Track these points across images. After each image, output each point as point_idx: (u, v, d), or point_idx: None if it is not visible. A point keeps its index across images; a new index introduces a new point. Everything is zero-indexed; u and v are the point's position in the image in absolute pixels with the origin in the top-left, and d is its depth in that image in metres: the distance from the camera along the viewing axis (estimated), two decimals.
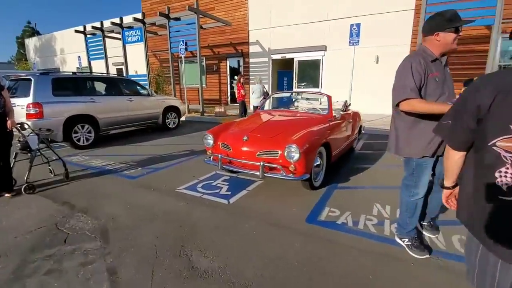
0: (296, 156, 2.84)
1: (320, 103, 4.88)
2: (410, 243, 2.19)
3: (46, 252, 2.22)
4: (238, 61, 13.15)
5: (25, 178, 3.40)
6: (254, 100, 7.73)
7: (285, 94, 5.61)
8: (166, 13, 10.14)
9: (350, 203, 3.05)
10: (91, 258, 2.14)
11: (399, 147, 2.08)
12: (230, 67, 13.52)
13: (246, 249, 2.25)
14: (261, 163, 2.95)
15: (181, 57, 10.49)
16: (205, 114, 10.58)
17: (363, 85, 9.90)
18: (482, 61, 8.69)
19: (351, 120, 4.56)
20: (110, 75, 7.13)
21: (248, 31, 12.53)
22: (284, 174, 2.95)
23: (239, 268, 2.02)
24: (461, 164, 1.13)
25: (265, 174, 2.99)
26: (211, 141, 3.51)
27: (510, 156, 0.88)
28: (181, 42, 10.09)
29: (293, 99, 5.36)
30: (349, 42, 7.69)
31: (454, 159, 1.13)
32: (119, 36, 12.27)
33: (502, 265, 0.95)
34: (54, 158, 3.83)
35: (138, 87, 7.25)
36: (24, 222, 2.70)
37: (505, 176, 0.90)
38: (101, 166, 4.51)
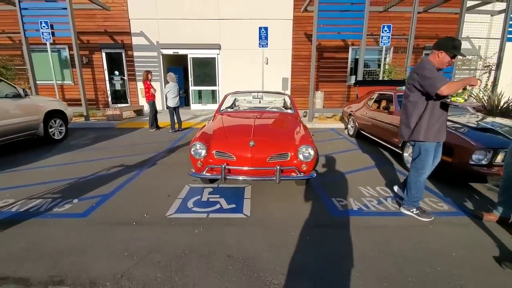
0: (311, 156, 2.94)
1: (277, 102, 5.06)
2: (418, 211, 2.81)
3: None
4: (120, 53, 11.16)
5: None
6: (170, 100, 6.90)
7: (244, 95, 5.40)
8: None
9: (343, 191, 3.46)
10: None
11: (413, 133, 2.60)
12: (107, 60, 11.26)
13: (326, 257, 2.20)
14: (277, 167, 2.85)
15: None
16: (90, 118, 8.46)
17: (258, 82, 10.71)
18: (343, 65, 11.46)
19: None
20: None
21: (129, 19, 10.86)
22: (299, 175, 2.98)
23: (335, 277, 1.97)
24: None
25: (281, 178, 2.91)
26: (202, 151, 3.01)
27: None
28: (44, 24, 7.52)
29: (258, 99, 5.26)
30: (259, 44, 8.20)
31: None
32: None
33: None
34: None
35: (3, 85, 4.94)
36: None
37: None
38: (1, 210, 2.91)
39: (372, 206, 3.07)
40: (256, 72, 10.22)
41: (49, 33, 7.71)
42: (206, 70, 11.62)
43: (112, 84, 11.57)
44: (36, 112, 5.40)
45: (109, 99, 11.58)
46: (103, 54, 11.20)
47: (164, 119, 8.22)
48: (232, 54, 11.18)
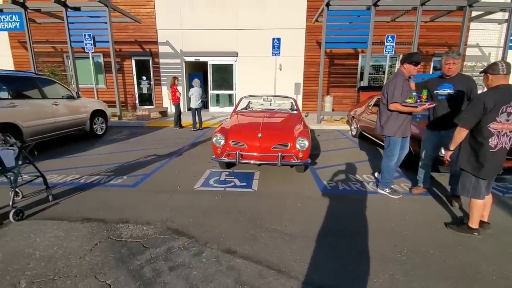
0: (306, 145, 3.76)
1: (285, 104, 5.92)
2: (390, 191, 3.55)
3: (142, 258, 2.24)
4: (148, 60, 12.40)
5: (11, 203, 2.78)
6: (193, 102, 7.91)
7: (257, 98, 6.31)
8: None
9: (334, 177, 4.24)
10: (194, 251, 2.34)
11: (387, 130, 3.36)
12: (136, 66, 12.55)
13: (309, 217, 3.01)
14: (279, 154, 3.70)
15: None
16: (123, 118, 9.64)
17: (271, 87, 11.58)
18: (353, 72, 12.11)
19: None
20: (26, 73, 5.64)
21: (157, 30, 12.08)
22: (296, 161, 3.81)
23: (316, 230, 2.78)
24: (463, 138, 2.44)
25: (282, 163, 3.74)
26: (222, 141, 3.91)
27: (496, 132, 2.19)
28: (88, 37, 8.79)
29: (269, 101, 6.16)
30: (272, 53, 9.09)
31: (462, 134, 2.42)
32: None
33: (483, 182, 2.28)
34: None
35: (61, 88, 6.10)
36: (65, 246, 2.40)
37: (493, 141, 2.21)
38: (71, 182, 3.92)
39: (355, 188, 3.83)
40: (270, 77, 11.08)
41: (91, 44, 8.96)
42: (224, 76, 12.64)
43: (139, 88, 12.83)
44: (85, 111, 6.53)
45: (137, 101, 12.83)
46: (133, 61, 12.49)
47: (186, 120, 9.25)
48: (249, 61, 12.13)
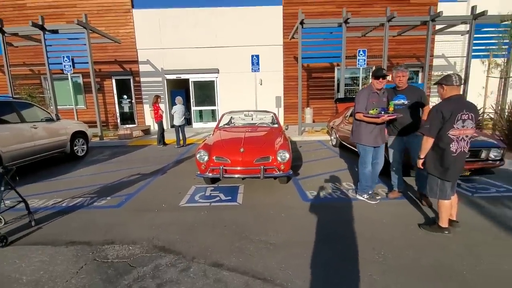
0: (287, 157, 3.93)
1: (266, 118, 6.12)
2: (368, 196, 3.75)
3: (129, 278, 2.27)
4: (128, 79, 12.40)
5: None
6: (176, 120, 7.98)
7: (238, 114, 6.47)
8: (40, 23, 8.52)
9: (316, 186, 4.41)
10: (181, 267, 2.40)
11: (356, 138, 3.59)
12: (117, 86, 12.50)
13: (293, 226, 3.13)
14: (261, 167, 3.84)
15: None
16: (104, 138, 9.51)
17: (253, 101, 11.83)
18: (331, 84, 12.61)
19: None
20: (4, 97, 5.53)
21: (137, 49, 12.19)
22: (278, 173, 3.95)
23: (299, 238, 2.90)
24: (430, 145, 2.69)
25: (264, 175, 3.88)
26: (205, 157, 4.01)
27: (455, 138, 2.46)
28: (66, 59, 8.76)
29: (250, 116, 6.32)
30: (252, 69, 9.39)
31: (430, 142, 2.67)
32: None
33: (448, 184, 2.52)
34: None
35: (40, 111, 6.02)
36: (51, 270, 2.39)
37: (453, 146, 2.47)
38: (53, 205, 3.86)
39: (336, 196, 4.01)
40: (251, 92, 11.36)
41: (70, 65, 8.92)
42: (206, 92, 12.82)
43: (121, 107, 12.74)
44: (65, 133, 6.45)
45: (118, 120, 12.70)
46: (113, 81, 12.46)
47: (170, 137, 9.25)
48: (230, 77, 12.41)
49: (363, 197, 3.78)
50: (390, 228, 3.02)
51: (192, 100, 12.68)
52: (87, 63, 8.95)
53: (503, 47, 8.97)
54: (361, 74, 9.85)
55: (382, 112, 3.35)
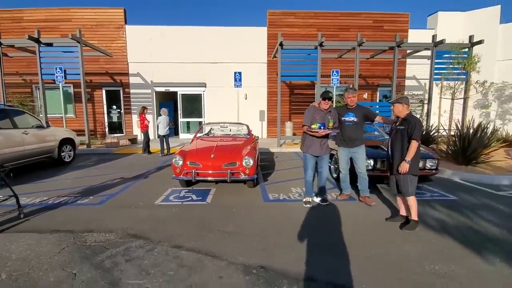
0: (251, 163, 4.51)
1: (242, 129, 6.75)
2: (310, 199, 4.32)
3: (103, 256, 2.75)
4: (118, 91, 12.93)
5: None
6: (161, 130, 8.52)
7: (217, 125, 7.08)
8: (36, 36, 9.07)
9: (279, 190, 4.99)
10: (148, 248, 2.90)
11: (302, 147, 4.22)
12: (106, 96, 12.99)
13: (251, 220, 3.68)
14: (228, 171, 4.41)
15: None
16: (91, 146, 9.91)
17: (235, 114, 12.48)
18: (311, 100, 13.38)
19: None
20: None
21: (128, 62, 12.80)
22: (244, 176, 4.53)
23: (253, 229, 3.45)
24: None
25: (231, 178, 4.44)
26: (180, 161, 4.56)
27: None
28: (59, 70, 9.27)
29: (227, 127, 6.94)
30: (234, 85, 10.11)
31: (418, 147, 3.24)
32: None
33: None
34: None
35: (31, 118, 6.48)
36: (37, 250, 2.84)
37: None
38: (40, 203, 4.30)
39: (293, 197, 4.60)
40: (236, 106, 12.06)
41: (62, 76, 9.42)
42: (194, 104, 13.44)
43: (109, 117, 13.19)
44: (53, 139, 6.89)
45: (107, 129, 13.11)
46: (103, 92, 12.96)
47: (155, 146, 9.74)
48: (216, 91, 13.11)
49: (304, 200, 4.30)
50: (330, 220, 3.60)
51: (179, 112, 13.25)
52: (79, 74, 9.49)
53: (454, 71, 10.04)
54: (335, 92, 10.67)
55: (322, 127, 3.93)
